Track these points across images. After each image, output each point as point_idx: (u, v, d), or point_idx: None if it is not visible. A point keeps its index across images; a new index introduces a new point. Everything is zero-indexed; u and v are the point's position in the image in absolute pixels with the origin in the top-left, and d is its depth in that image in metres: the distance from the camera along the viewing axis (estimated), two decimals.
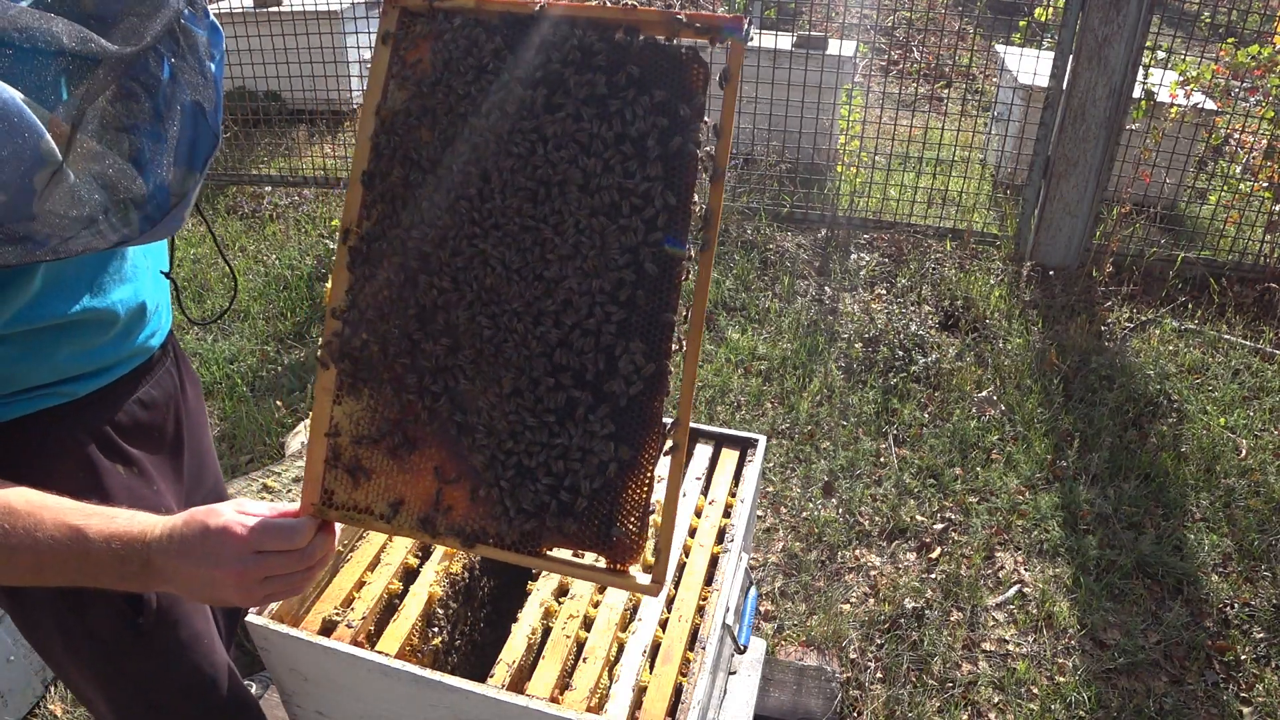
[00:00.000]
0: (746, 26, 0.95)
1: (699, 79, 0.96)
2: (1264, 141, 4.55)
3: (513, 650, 1.40)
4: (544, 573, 1.53)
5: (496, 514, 0.99)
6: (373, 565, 1.53)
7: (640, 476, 0.96)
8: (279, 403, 3.53)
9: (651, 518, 0.98)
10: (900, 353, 3.84)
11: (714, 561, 1.60)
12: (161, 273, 1.33)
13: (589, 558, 1.00)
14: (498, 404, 0.99)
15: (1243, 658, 2.57)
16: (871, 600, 2.77)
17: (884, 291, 4.42)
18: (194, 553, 0.96)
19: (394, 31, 1.02)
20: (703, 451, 1.85)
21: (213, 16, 1.08)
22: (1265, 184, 4.48)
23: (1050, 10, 5.45)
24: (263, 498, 2.66)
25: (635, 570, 0.98)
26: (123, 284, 1.21)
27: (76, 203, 0.89)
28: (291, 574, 1.01)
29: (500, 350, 0.99)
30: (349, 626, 1.41)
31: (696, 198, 0.96)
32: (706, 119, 0.96)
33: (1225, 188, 4.74)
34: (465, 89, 0.99)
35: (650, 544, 0.99)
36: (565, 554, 1.00)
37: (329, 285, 1.03)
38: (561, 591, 1.51)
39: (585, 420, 0.97)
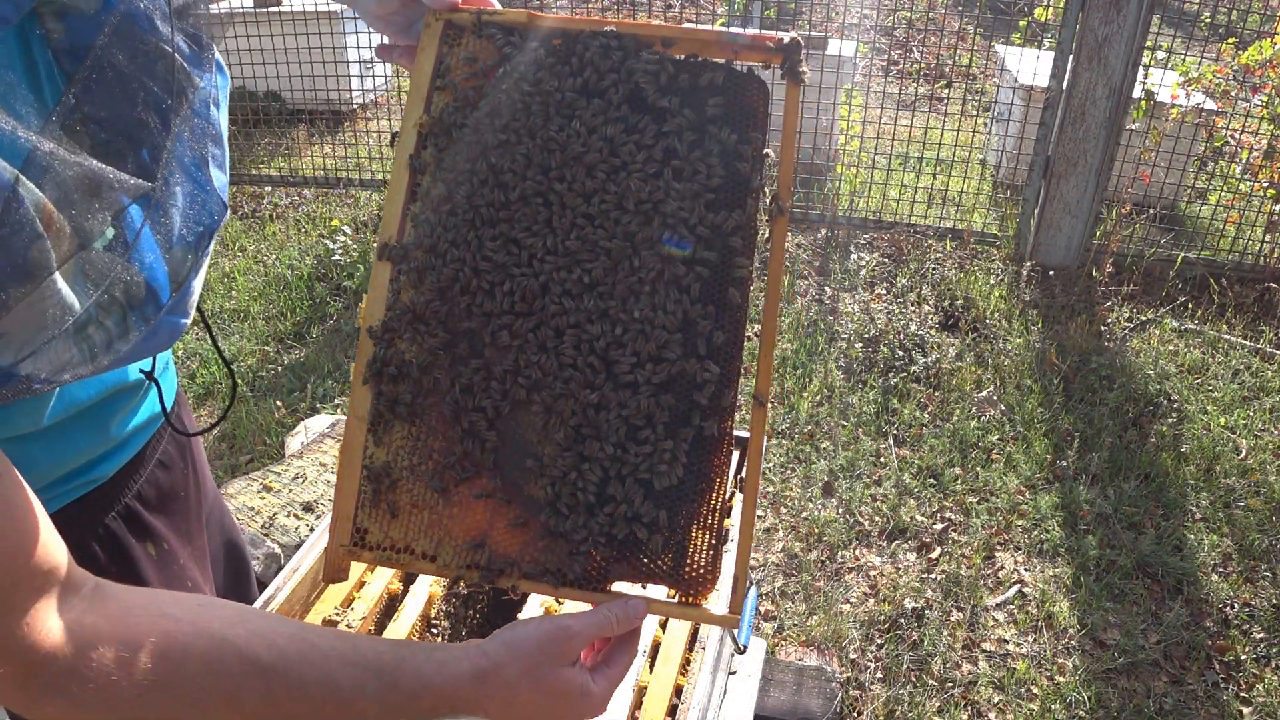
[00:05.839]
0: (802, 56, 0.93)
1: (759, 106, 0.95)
2: (1264, 141, 4.55)
3: None
4: None
5: (557, 549, 0.88)
6: (373, 566, 1.53)
7: (709, 504, 0.89)
8: (279, 403, 3.53)
9: (723, 547, 0.91)
10: (900, 353, 3.84)
11: None
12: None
13: (657, 590, 0.92)
14: (559, 432, 0.90)
15: (1243, 658, 2.57)
16: (871, 600, 2.77)
17: (884, 291, 4.42)
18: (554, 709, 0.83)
19: (440, 47, 0.95)
20: None
21: (219, 55, 0.85)
22: (1266, 184, 4.48)
23: (1050, 10, 5.45)
24: (261, 498, 2.66)
25: (709, 601, 0.91)
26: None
27: (57, 317, 0.63)
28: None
29: (559, 375, 0.91)
30: (349, 627, 1.41)
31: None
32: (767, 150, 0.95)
33: (1225, 188, 4.75)
34: (520, 98, 0.93)
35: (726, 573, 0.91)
36: (630, 588, 0.91)
37: (363, 305, 0.93)
38: None
39: (652, 444, 0.89)
